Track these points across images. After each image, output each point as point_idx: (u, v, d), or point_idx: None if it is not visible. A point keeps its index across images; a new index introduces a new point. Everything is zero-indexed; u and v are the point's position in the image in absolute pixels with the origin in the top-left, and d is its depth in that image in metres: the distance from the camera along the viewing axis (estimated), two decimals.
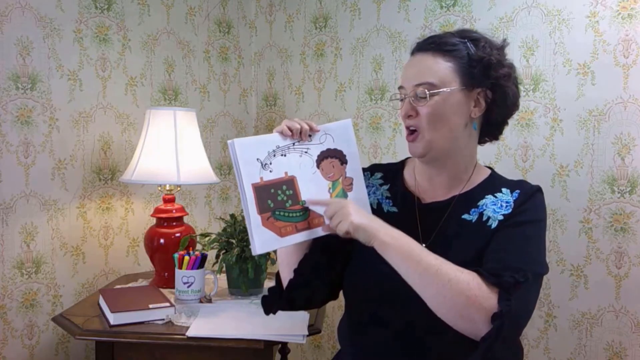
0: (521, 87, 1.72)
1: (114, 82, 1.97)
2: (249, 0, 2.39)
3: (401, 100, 1.11)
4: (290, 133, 1.07)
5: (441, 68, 1.07)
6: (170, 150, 1.75)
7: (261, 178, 1.05)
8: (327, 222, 1.06)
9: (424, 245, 1.09)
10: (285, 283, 1.18)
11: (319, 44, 2.21)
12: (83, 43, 1.88)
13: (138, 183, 1.91)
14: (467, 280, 0.94)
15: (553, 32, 1.69)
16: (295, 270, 1.16)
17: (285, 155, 1.07)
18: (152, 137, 1.77)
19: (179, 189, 1.89)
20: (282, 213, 1.05)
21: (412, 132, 1.10)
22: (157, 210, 1.80)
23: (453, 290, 0.93)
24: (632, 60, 1.57)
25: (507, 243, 1.02)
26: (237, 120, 2.38)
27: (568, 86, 1.67)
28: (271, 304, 1.21)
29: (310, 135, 1.10)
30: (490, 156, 1.79)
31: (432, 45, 1.09)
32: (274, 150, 1.06)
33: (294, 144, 1.08)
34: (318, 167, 1.10)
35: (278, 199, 1.05)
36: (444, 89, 1.06)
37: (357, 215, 1.01)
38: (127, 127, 2.01)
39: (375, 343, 1.08)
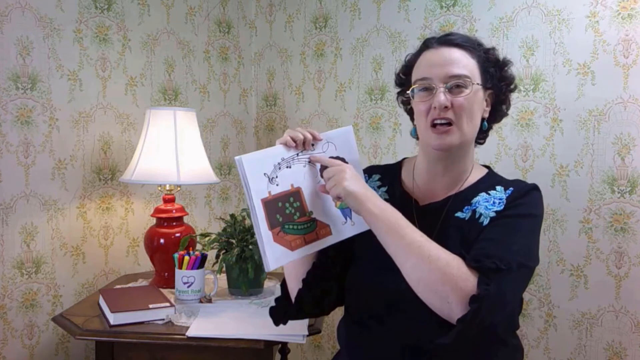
0: (521, 87, 1.74)
1: (114, 82, 1.97)
2: (249, 0, 2.38)
3: (424, 90, 1.07)
4: (294, 144, 1.06)
5: (470, 63, 1.07)
6: (170, 150, 1.75)
7: (269, 192, 1.03)
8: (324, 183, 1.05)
9: None
10: (293, 294, 1.18)
11: (319, 44, 2.21)
12: (83, 43, 1.88)
13: (138, 183, 1.91)
14: (448, 259, 0.95)
15: (553, 32, 1.69)
16: (304, 280, 1.15)
17: (290, 167, 1.06)
18: (152, 137, 1.77)
19: (179, 189, 1.89)
20: (290, 226, 1.04)
21: (443, 124, 1.05)
22: (157, 210, 1.81)
23: (432, 265, 0.94)
24: (632, 60, 1.57)
25: (494, 233, 1.02)
26: (237, 120, 2.38)
27: (568, 86, 1.67)
28: (281, 315, 1.21)
29: (312, 144, 1.08)
30: (490, 156, 1.79)
31: (457, 40, 1.09)
32: (279, 163, 1.04)
33: (297, 154, 1.07)
34: (322, 176, 1.08)
35: (286, 212, 1.04)
36: (475, 83, 1.06)
37: (351, 181, 1.01)
38: (127, 127, 2.01)
39: (375, 344, 1.08)
